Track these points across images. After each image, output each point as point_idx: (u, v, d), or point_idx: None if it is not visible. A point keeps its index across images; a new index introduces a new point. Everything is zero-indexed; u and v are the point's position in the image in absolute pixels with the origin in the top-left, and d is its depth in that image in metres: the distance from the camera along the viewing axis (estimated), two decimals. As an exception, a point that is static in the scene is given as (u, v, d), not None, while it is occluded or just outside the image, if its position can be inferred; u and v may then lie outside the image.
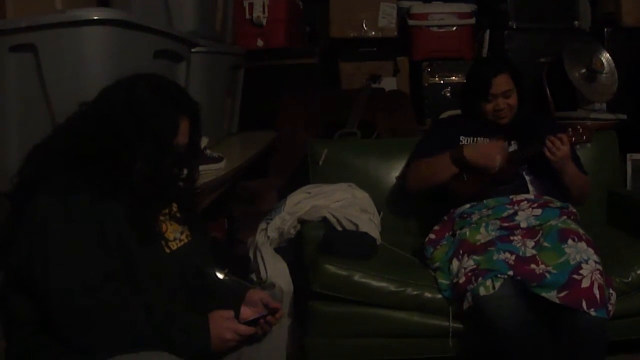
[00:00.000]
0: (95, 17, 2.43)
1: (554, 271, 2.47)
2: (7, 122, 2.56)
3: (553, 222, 2.71)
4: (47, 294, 1.72)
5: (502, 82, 3.00)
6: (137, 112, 1.87)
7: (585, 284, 2.42)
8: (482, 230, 2.75)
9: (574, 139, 2.89)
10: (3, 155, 2.56)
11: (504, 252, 2.58)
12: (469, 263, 2.60)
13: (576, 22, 4.86)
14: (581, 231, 2.66)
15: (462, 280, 2.58)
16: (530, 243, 2.64)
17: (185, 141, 1.97)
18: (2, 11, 2.62)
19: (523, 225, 2.73)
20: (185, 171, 2.07)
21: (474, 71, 3.20)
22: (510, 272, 2.50)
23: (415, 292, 2.71)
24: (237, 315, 1.99)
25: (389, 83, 4.83)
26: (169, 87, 1.99)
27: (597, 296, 2.40)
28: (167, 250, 1.96)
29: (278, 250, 3.03)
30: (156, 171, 1.90)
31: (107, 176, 1.83)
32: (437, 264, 2.79)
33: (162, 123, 1.89)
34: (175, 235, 2.02)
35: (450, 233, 2.89)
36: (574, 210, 2.87)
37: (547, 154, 2.85)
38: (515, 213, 2.78)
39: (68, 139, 1.87)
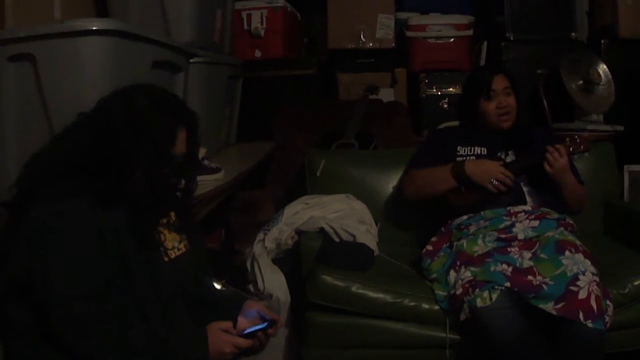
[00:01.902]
0: (93, 28, 2.43)
1: (551, 283, 2.47)
2: (5, 131, 2.56)
3: (550, 234, 2.71)
4: (47, 302, 1.72)
5: (501, 80, 3.07)
6: (135, 121, 1.87)
7: (582, 295, 2.41)
8: (480, 241, 2.75)
9: (571, 149, 2.90)
10: (1, 165, 2.55)
11: (501, 264, 2.58)
12: (466, 274, 2.60)
13: (573, 34, 4.88)
14: (578, 243, 2.66)
15: (459, 291, 2.58)
16: (528, 254, 2.63)
17: (183, 150, 1.97)
18: (1, 21, 2.62)
19: (520, 236, 2.73)
20: (183, 182, 2.07)
21: (472, 75, 3.30)
22: (507, 284, 2.49)
23: (412, 303, 2.70)
24: (234, 326, 2.00)
25: (386, 94, 4.84)
26: (167, 97, 2.00)
27: (594, 307, 2.39)
28: (166, 259, 1.96)
29: (275, 261, 3.03)
30: (154, 180, 1.91)
31: (106, 185, 1.84)
32: (434, 275, 2.79)
33: (159, 132, 1.89)
34: (173, 244, 2.02)
35: (448, 244, 2.89)
36: (571, 221, 2.87)
37: (546, 166, 2.86)
38: (513, 224, 2.79)
39: (66, 148, 1.88)
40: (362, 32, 4.87)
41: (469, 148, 3.08)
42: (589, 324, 2.37)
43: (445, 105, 4.83)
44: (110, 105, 1.92)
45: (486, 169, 2.95)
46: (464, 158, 3.04)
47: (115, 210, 1.84)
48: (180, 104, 2.03)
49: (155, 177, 1.90)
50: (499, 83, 3.06)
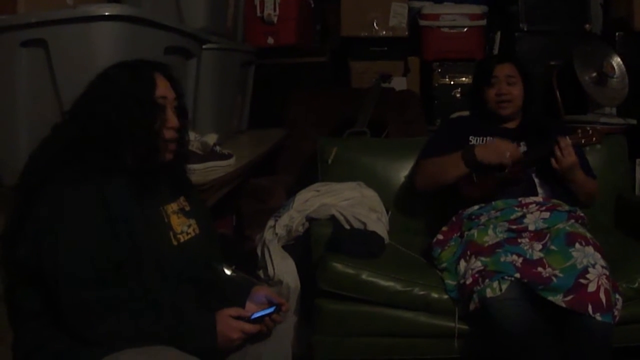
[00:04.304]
0: (106, 13, 2.44)
1: (561, 275, 2.47)
2: (18, 116, 2.57)
3: (561, 226, 2.70)
4: (57, 287, 1.72)
5: (506, 68, 3.08)
6: (112, 84, 1.88)
7: (591, 288, 2.41)
8: (490, 231, 2.75)
9: (583, 140, 2.90)
10: (13, 150, 2.57)
11: (511, 255, 2.58)
12: (476, 264, 2.60)
13: (587, 26, 4.86)
14: (589, 235, 2.66)
15: (468, 281, 2.58)
16: (538, 246, 2.63)
17: (170, 95, 1.95)
18: (13, 6, 2.63)
19: (531, 228, 2.73)
20: (175, 145, 2.04)
21: (480, 62, 3.35)
22: (517, 275, 2.49)
23: (422, 292, 2.71)
24: (242, 312, 2.00)
25: (399, 83, 4.84)
26: (137, 60, 2.00)
27: (603, 301, 2.39)
28: (175, 243, 1.96)
29: (286, 247, 3.03)
30: (149, 130, 1.89)
31: (109, 156, 1.83)
32: (444, 265, 2.79)
33: (138, 83, 1.89)
34: (182, 228, 2.01)
35: (458, 234, 2.89)
36: (582, 214, 2.87)
37: (553, 162, 2.86)
38: (524, 216, 2.78)
39: (69, 132, 1.88)
40: (375, 20, 4.86)
41: (481, 138, 3.07)
42: (598, 317, 2.37)
43: (458, 95, 4.84)
44: (91, 84, 1.93)
45: (496, 146, 2.94)
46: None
47: (122, 185, 1.84)
48: (151, 59, 2.02)
49: (148, 125, 1.89)
50: (502, 71, 3.06)
